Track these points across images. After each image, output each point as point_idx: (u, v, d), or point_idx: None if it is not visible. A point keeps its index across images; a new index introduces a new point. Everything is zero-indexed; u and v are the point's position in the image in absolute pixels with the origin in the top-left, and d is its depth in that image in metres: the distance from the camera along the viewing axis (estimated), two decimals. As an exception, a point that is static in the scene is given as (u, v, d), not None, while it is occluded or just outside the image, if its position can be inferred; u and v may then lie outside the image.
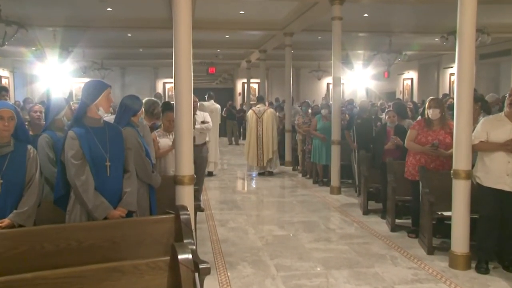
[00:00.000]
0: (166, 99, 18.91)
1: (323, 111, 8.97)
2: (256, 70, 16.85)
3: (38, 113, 4.67)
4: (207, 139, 7.39)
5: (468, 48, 4.44)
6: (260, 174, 10.22)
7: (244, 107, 18.88)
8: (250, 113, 10.52)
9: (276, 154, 10.37)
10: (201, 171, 6.92)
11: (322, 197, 7.95)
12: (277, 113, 12.11)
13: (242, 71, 20.49)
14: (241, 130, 18.93)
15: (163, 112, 5.37)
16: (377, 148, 6.57)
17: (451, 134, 5.27)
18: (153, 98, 6.08)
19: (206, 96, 10.47)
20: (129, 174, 3.29)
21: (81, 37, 12.05)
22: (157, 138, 5.16)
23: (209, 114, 9.17)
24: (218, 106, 10.49)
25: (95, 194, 3.11)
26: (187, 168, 4.17)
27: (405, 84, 19.75)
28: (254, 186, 9.31)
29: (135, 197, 3.29)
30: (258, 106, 10.45)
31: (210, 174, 10.04)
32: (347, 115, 9.64)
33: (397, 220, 5.97)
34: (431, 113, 5.35)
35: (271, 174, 10.25)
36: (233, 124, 17.64)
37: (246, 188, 9.48)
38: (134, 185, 3.30)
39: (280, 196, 8.37)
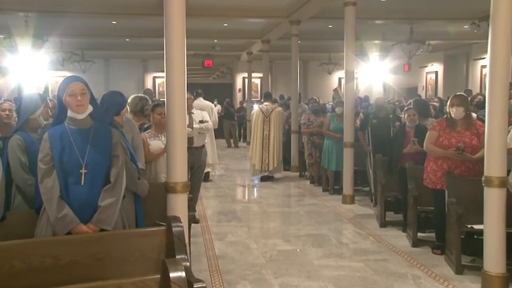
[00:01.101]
0: (157, 96, 19.03)
1: (338, 110, 8.92)
2: (259, 63, 16.83)
3: (8, 112, 4.60)
4: (206, 140, 7.38)
5: (503, 36, 4.37)
6: (262, 179, 10.26)
7: (244, 105, 18.86)
8: (256, 111, 10.52)
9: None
10: (198, 177, 6.89)
11: (333, 207, 7.92)
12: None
13: (242, 64, 20.50)
14: (241, 131, 18.90)
15: (152, 108, 5.37)
16: (394, 151, 6.53)
17: (478, 135, 5.23)
18: (140, 95, 6.06)
19: (194, 94, 10.51)
20: (111, 186, 3.21)
21: (58, 24, 11.98)
22: (148, 140, 5.13)
23: (200, 112, 9.18)
24: (209, 103, 10.52)
25: (59, 205, 3.07)
26: (180, 174, 4.14)
27: (428, 78, 19.67)
28: (256, 194, 9.30)
29: (113, 214, 3.20)
30: (265, 104, 10.46)
31: (206, 177, 10.14)
32: (361, 114, 9.61)
33: (419, 234, 5.93)
34: (454, 112, 5.31)
35: (271, 179, 10.30)
36: (231, 124, 17.58)
37: (247, 197, 9.48)
38: (115, 199, 3.20)
39: (286, 205, 8.35)
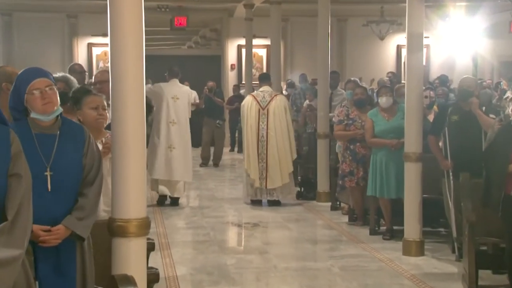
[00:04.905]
0: (93, 78, 18.99)
1: (383, 100, 8.98)
2: (264, 22, 16.81)
3: None
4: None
5: None
6: (253, 202, 10.77)
7: (242, 91, 18.78)
8: (247, 100, 10.85)
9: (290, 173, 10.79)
10: None
11: (388, 261, 7.94)
12: (304, 104, 12.24)
13: (237, 24, 20.45)
14: (236, 135, 18.85)
15: (77, 100, 5.32)
16: (492, 168, 6.56)
17: None
18: (67, 75, 6.14)
19: (166, 73, 10.65)
20: (8, 225, 3.15)
21: None
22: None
23: (172, 102, 9.38)
24: (187, 88, 10.93)
25: None
26: (135, 206, 4.21)
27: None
28: (259, 238, 9.33)
29: (13, 272, 3.15)
30: (261, 89, 10.75)
31: (175, 201, 10.64)
32: (435, 106, 9.63)
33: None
34: None
35: (277, 204, 10.69)
36: (213, 126, 17.22)
37: (243, 243, 9.49)
38: (17, 251, 3.16)
39: (309, 258, 8.35)
